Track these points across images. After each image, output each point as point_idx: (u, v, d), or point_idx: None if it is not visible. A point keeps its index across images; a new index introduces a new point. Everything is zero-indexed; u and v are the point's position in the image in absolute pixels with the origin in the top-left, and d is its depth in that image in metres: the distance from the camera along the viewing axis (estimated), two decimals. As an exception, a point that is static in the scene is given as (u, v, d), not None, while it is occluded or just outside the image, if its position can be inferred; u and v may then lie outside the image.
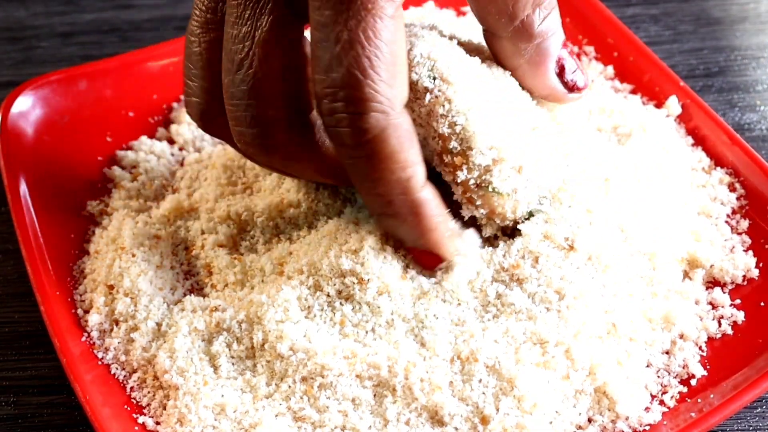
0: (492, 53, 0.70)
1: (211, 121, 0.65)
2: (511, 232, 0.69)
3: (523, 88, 0.70)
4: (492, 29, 0.67)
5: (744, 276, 0.72)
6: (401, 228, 0.63)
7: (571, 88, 0.70)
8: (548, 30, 0.67)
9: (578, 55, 0.88)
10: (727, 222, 0.75)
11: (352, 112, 0.57)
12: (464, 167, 0.64)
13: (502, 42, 0.67)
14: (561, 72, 0.69)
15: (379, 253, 0.66)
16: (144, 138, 0.84)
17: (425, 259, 0.66)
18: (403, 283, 0.66)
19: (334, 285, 0.66)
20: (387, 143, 0.58)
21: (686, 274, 0.72)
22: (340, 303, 0.66)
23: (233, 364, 0.67)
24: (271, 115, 0.61)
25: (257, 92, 0.60)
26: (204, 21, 0.63)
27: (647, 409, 0.65)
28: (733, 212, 0.76)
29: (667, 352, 0.68)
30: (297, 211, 0.72)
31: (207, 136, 0.84)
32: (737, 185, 0.77)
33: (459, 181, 0.65)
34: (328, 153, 0.63)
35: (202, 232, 0.74)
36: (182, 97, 0.67)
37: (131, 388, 0.68)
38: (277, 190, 0.74)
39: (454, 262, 0.66)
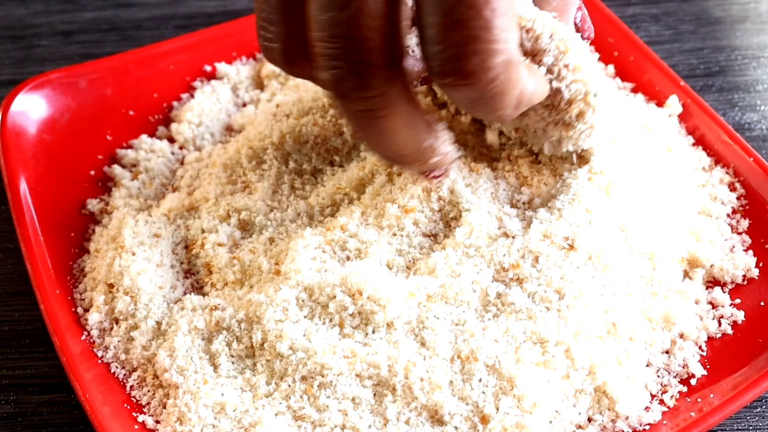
0: None
1: (295, 62, 0.62)
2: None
3: None
4: None
5: (744, 276, 0.72)
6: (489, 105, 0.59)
7: (586, 38, 0.70)
8: None
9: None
10: (727, 222, 0.75)
11: (480, 51, 0.54)
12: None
13: None
14: (582, 21, 0.70)
15: (381, 266, 0.67)
16: (144, 137, 0.84)
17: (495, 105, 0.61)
18: (410, 299, 0.66)
19: (332, 298, 0.66)
20: (514, 78, 0.56)
21: (686, 274, 0.72)
22: (337, 310, 0.66)
23: (233, 363, 0.67)
24: (372, 50, 0.57)
25: (358, 27, 0.57)
26: None
27: (647, 408, 0.65)
28: (734, 212, 0.76)
29: (667, 352, 0.68)
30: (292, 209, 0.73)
31: (207, 135, 0.84)
32: (737, 185, 0.77)
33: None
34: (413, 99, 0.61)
35: (202, 231, 0.74)
36: (258, 47, 0.64)
37: (131, 386, 0.68)
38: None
39: None
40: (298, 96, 0.81)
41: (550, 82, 0.64)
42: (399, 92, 0.59)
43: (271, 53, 0.63)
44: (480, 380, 0.64)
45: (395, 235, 0.69)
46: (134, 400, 0.67)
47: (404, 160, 0.63)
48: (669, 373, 0.67)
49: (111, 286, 0.71)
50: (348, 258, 0.69)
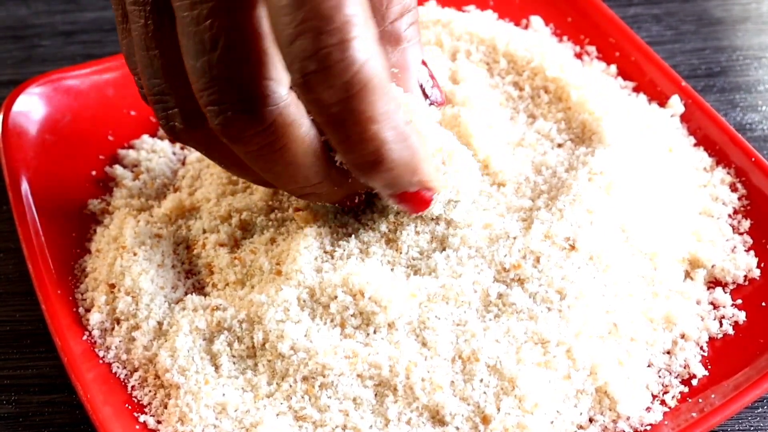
0: None
1: (196, 123, 0.60)
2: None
3: None
4: None
5: (745, 276, 0.72)
6: (392, 173, 0.57)
7: (432, 103, 0.68)
8: (414, 36, 0.66)
9: (579, 56, 0.88)
10: (728, 222, 0.75)
11: (334, 44, 0.50)
12: None
13: None
14: (428, 82, 0.68)
15: (382, 266, 0.67)
16: (145, 137, 0.84)
17: (418, 201, 0.60)
18: (411, 300, 0.66)
19: (333, 298, 0.66)
20: (378, 74, 0.52)
21: (687, 274, 0.72)
22: (339, 310, 0.66)
23: (234, 363, 0.67)
24: (250, 83, 0.55)
25: (231, 63, 0.54)
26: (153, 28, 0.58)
27: (648, 409, 0.65)
28: (735, 212, 0.76)
29: (668, 352, 0.68)
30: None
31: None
32: (739, 185, 0.77)
33: None
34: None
35: (204, 231, 0.74)
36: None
37: (132, 386, 0.68)
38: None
39: (443, 191, 0.65)
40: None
41: None
42: (290, 121, 0.56)
43: (170, 125, 0.61)
44: (481, 380, 0.64)
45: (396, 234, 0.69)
46: (135, 401, 0.67)
47: (315, 190, 0.62)
48: (670, 374, 0.67)
49: (112, 286, 0.71)
50: (349, 258, 0.69)
